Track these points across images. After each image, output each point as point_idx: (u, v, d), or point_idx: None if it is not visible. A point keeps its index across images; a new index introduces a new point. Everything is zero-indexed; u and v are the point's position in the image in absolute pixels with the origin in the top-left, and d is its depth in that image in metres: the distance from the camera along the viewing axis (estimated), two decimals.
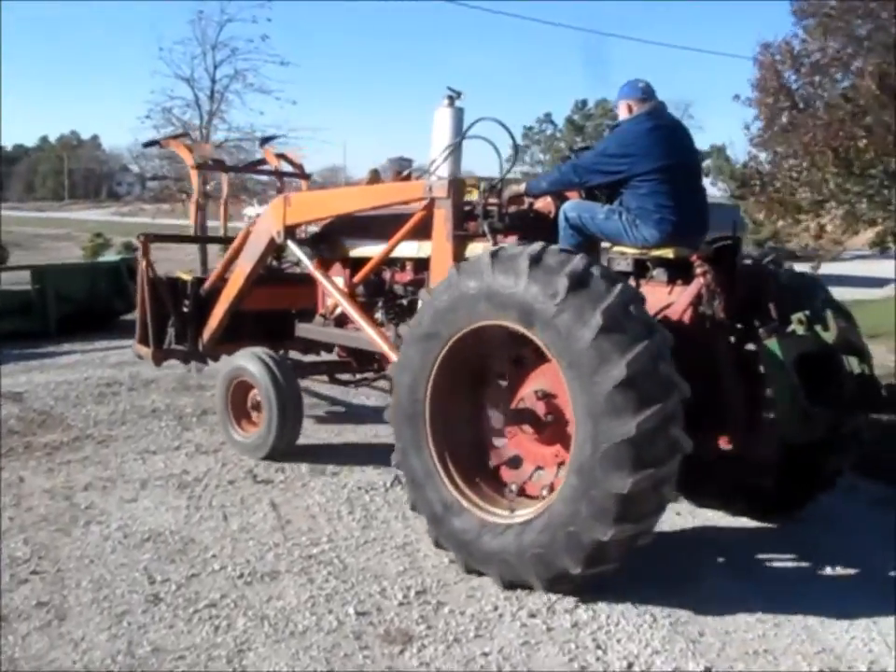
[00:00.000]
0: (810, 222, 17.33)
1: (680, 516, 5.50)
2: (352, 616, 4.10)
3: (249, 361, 6.67)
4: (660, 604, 4.27)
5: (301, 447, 6.75)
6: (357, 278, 6.53)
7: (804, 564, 4.95)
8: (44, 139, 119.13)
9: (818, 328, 4.73)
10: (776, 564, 4.99)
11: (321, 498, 5.78)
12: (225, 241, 8.22)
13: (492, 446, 4.84)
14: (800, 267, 5.77)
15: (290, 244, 6.73)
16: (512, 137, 5.54)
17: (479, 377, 4.89)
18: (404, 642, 3.86)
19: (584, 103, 56.28)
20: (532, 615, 4.15)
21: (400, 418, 4.77)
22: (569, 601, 4.28)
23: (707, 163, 53.10)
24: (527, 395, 4.59)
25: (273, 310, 7.37)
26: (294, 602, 4.24)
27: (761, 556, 5.05)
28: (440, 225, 5.48)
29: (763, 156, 16.91)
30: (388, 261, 6.41)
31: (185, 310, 7.47)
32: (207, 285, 7.50)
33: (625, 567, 4.18)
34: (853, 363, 4.77)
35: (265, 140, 10.24)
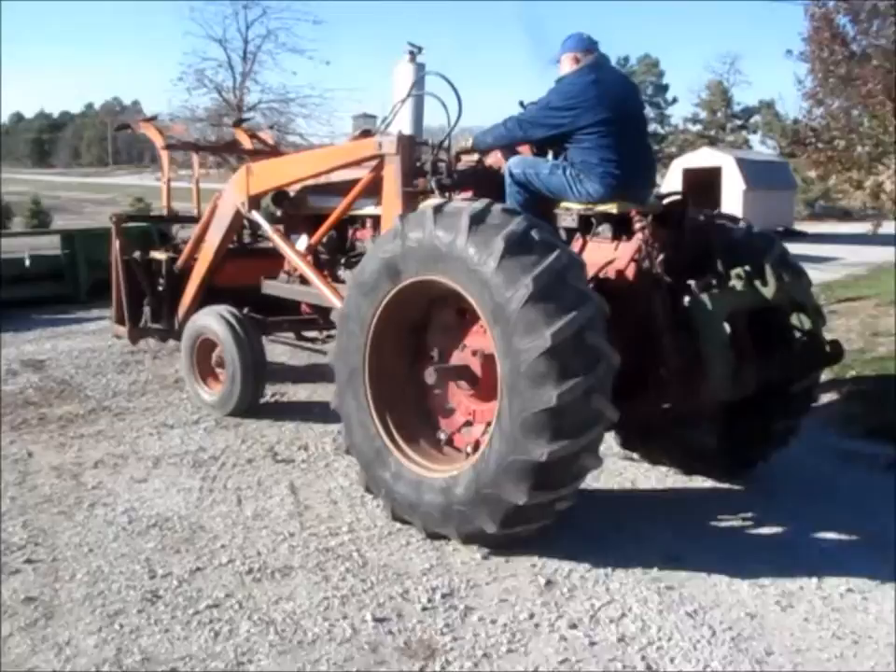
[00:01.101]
0: (866, 180, 16.52)
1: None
2: (369, 623, 3.62)
3: (212, 319, 6.70)
4: (717, 610, 3.77)
5: (326, 426, 6.31)
6: (315, 237, 6.40)
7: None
8: (89, 106, 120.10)
9: (757, 283, 4.64)
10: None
11: (344, 481, 5.32)
12: (197, 220, 7.92)
13: (430, 394, 4.74)
14: (858, 228, 5.39)
15: (254, 213, 6.68)
16: (457, 93, 5.30)
17: (420, 329, 4.81)
18: (426, 657, 3.38)
19: (626, 59, 54.66)
20: (573, 625, 3.65)
21: (341, 363, 4.75)
22: (615, 609, 3.79)
23: (755, 119, 51.64)
24: (465, 350, 4.54)
25: (248, 285, 7.10)
26: (306, 605, 3.78)
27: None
28: (389, 181, 5.45)
29: (817, 111, 16.08)
30: (350, 219, 6.39)
31: (160, 288, 7.43)
32: (180, 262, 7.38)
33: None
34: (799, 320, 4.80)
35: (238, 122, 9.99)
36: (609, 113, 4.69)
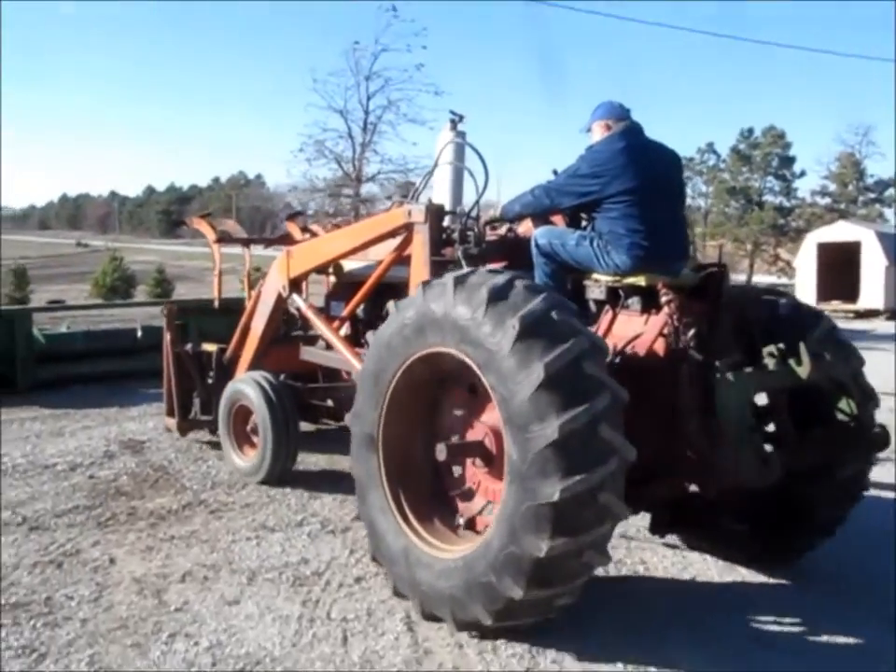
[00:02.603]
0: None
1: None
2: None
3: (247, 385, 6.68)
4: None
5: None
6: (350, 304, 6.47)
7: None
8: (216, 179, 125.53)
9: (791, 362, 4.35)
10: None
11: None
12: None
13: (448, 473, 4.55)
14: None
15: (294, 297, 6.78)
16: (483, 162, 5.40)
17: (437, 401, 4.64)
18: None
19: (751, 131, 53.09)
20: None
21: (357, 424, 4.58)
22: None
23: (889, 192, 49.28)
24: (479, 427, 4.33)
25: (295, 371, 7.22)
26: None
27: None
28: (418, 249, 5.44)
29: None
30: (388, 286, 6.16)
31: (209, 381, 7.44)
32: (228, 352, 7.42)
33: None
34: (846, 402, 4.53)
35: (291, 216, 10.03)
36: (638, 181, 4.51)
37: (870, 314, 26.00)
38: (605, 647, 4.12)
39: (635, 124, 4.81)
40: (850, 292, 26.65)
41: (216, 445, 7.77)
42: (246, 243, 9.02)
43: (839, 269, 26.57)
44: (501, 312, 3.80)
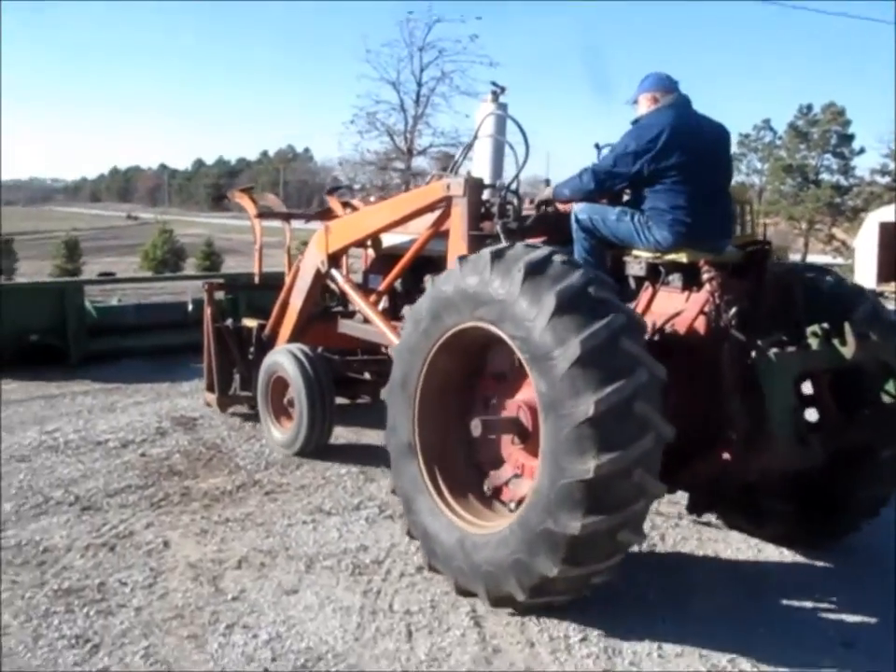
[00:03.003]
0: None
1: None
2: None
3: (284, 357, 6.64)
4: None
5: None
6: (388, 278, 6.40)
7: None
8: (264, 153, 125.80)
9: (836, 341, 4.25)
10: None
11: (543, 614, 4.15)
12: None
13: (481, 443, 4.42)
14: None
15: (333, 271, 6.71)
16: (524, 136, 5.34)
17: (477, 371, 4.57)
18: None
19: (810, 107, 51.54)
20: None
21: (393, 400, 4.55)
22: None
23: None
24: (515, 402, 4.25)
25: (339, 349, 7.22)
26: None
27: None
28: (456, 223, 5.39)
29: None
30: (426, 259, 6.09)
31: (250, 357, 7.43)
32: (267, 329, 7.40)
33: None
34: (888, 383, 4.41)
35: (332, 190, 9.90)
36: (684, 157, 4.40)
37: None
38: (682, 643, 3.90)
39: (682, 97, 4.68)
40: None
41: None
42: (287, 217, 8.90)
43: None
44: (538, 287, 3.74)
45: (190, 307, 11.81)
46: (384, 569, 4.64)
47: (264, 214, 8.66)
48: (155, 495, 5.72)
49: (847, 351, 4.23)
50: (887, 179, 47.67)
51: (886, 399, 4.47)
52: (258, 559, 4.72)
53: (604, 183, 4.67)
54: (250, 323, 7.57)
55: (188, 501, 5.61)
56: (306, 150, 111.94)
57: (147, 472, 6.20)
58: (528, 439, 4.14)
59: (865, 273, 25.57)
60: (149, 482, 5.99)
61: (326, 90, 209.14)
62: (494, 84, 5.98)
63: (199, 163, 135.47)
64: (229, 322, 7.60)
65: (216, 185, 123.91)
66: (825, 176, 50.76)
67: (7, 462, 6.38)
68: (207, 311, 7.54)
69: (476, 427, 4.17)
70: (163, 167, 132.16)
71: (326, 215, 8.40)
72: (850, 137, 50.32)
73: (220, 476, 6.17)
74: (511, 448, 4.33)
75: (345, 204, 8.36)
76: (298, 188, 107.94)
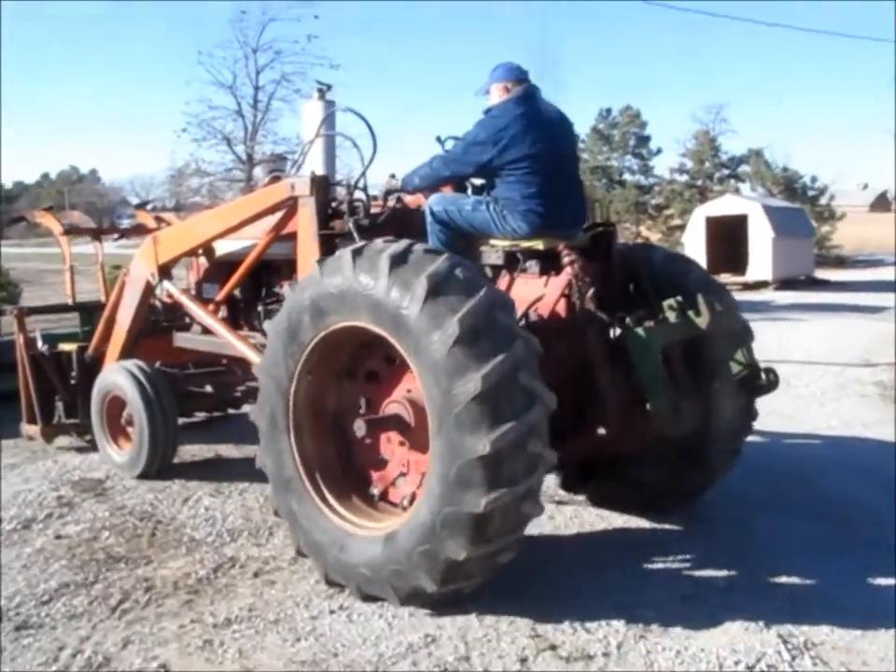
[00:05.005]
0: None
1: None
2: None
3: (119, 375, 6.32)
4: None
5: None
6: (227, 286, 6.16)
7: None
8: (45, 175, 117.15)
9: (691, 313, 4.55)
10: None
11: None
12: (104, 306, 7.54)
13: (361, 446, 4.41)
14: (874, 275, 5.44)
15: (165, 283, 6.41)
16: (371, 130, 5.21)
17: (348, 376, 4.54)
18: None
19: (609, 111, 53.80)
20: None
21: (265, 418, 4.46)
22: None
23: (743, 168, 51.08)
24: (395, 399, 4.26)
25: (170, 364, 6.84)
26: None
27: None
28: (305, 224, 5.19)
29: None
30: (264, 265, 5.99)
31: (72, 381, 7.06)
32: (91, 350, 7.08)
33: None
34: (731, 348, 4.70)
35: (140, 205, 10.00)
36: (536, 147, 4.50)
37: (759, 285, 26.30)
38: None
39: (533, 87, 4.76)
40: (739, 264, 26.85)
41: (199, 477, 6.23)
42: (96, 234, 8.61)
43: (727, 242, 26.72)
44: (406, 275, 3.80)
45: (41, 344, 9.97)
46: (476, 665, 3.54)
47: (72, 230, 8.41)
48: (107, 594, 4.28)
49: (702, 321, 4.50)
50: (685, 178, 50.25)
51: (735, 367, 4.70)
52: None
53: (455, 170, 4.71)
54: (68, 347, 7.17)
55: (158, 599, 4.22)
56: (93, 171, 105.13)
57: (78, 562, 4.71)
58: (411, 435, 4.15)
59: None
60: (88, 575, 4.51)
61: (114, 103, 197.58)
62: (319, 82, 6.05)
63: None
64: (44, 348, 7.10)
65: None
66: (627, 177, 52.94)
67: None
68: (20, 338, 7.04)
69: (359, 428, 4.14)
70: None
71: (139, 230, 8.46)
72: (647, 139, 52.72)
73: (181, 558, 4.77)
74: (393, 448, 4.31)
75: (158, 219, 8.30)
76: (86, 210, 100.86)
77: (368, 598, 4.10)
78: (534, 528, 4.43)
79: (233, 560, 4.71)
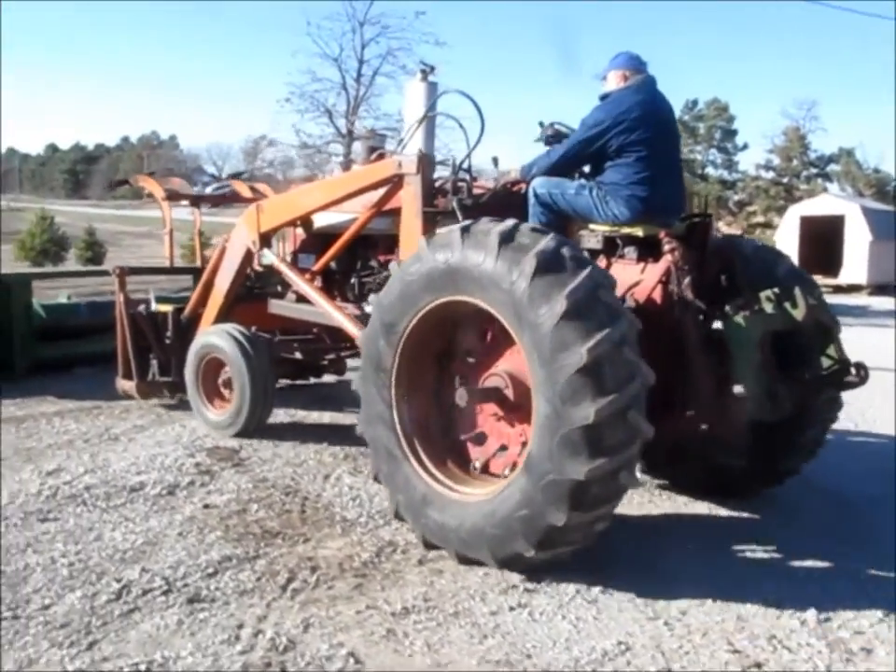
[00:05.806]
0: None
1: None
2: None
3: (219, 337, 6.50)
4: None
5: None
6: (324, 257, 6.27)
7: None
8: (125, 139, 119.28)
9: (787, 305, 4.61)
10: None
11: None
12: (198, 271, 7.97)
13: (459, 420, 4.57)
14: None
15: (265, 251, 6.51)
16: (480, 112, 5.26)
17: (448, 351, 4.67)
18: None
19: (695, 103, 52.58)
20: None
21: (367, 387, 4.60)
22: None
23: (832, 167, 49.69)
24: (495, 373, 4.38)
25: (264, 330, 6.92)
26: None
27: None
28: (409, 201, 5.32)
29: None
30: (362, 238, 6.13)
31: (167, 341, 7.29)
32: (187, 311, 7.32)
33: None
34: (822, 341, 4.77)
35: (234, 175, 10.39)
36: (648, 134, 4.62)
37: (852, 288, 25.52)
38: None
39: (651, 77, 4.90)
40: (832, 266, 26.08)
41: (339, 456, 6.10)
42: (195, 201, 8.97)
43: (821, 242, 25.94)
44: (514, 252, 3.92)
45: (154, 304, 9.97)
46: None
47: (173, 196, 8.75)
48: (272, 570, 4.15)
49: (798, 313, 4.58)
50: (771, 174, 49.03)
51: (826, 361, 4.78)
52: None
53: (573, 156, 4.87)
54: (164, 308, 7.42)
55: (326, 580, 4.07)
56: (172, 137, 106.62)
57: (234, 534, 4.59)
58: (508, 407, 4.29)
59: None
60: (249, 549, 4.39)
61: (195, 71, 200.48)
62: (423, 63, 6.08)
63: (52, 148, 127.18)
64: (142, 308, 7.38)
65: (72, 171, 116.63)
66: (710, 171, 51.87)
67: (26, 522, 4.66)
68: (119, 297, 7.25)
69: (461, 397, 4.30)
70: (13, 151, 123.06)
71: (234, 198, 8.93)
72: (734, 133, 51.57)
73: (337, 537, 4.63)
74: (491, 423, 4.43)
75: (253, 189, 8.72)
76: (164, 176, 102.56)
77: (464, 561, 4.22)
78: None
79: (393, 545, 4.54)
